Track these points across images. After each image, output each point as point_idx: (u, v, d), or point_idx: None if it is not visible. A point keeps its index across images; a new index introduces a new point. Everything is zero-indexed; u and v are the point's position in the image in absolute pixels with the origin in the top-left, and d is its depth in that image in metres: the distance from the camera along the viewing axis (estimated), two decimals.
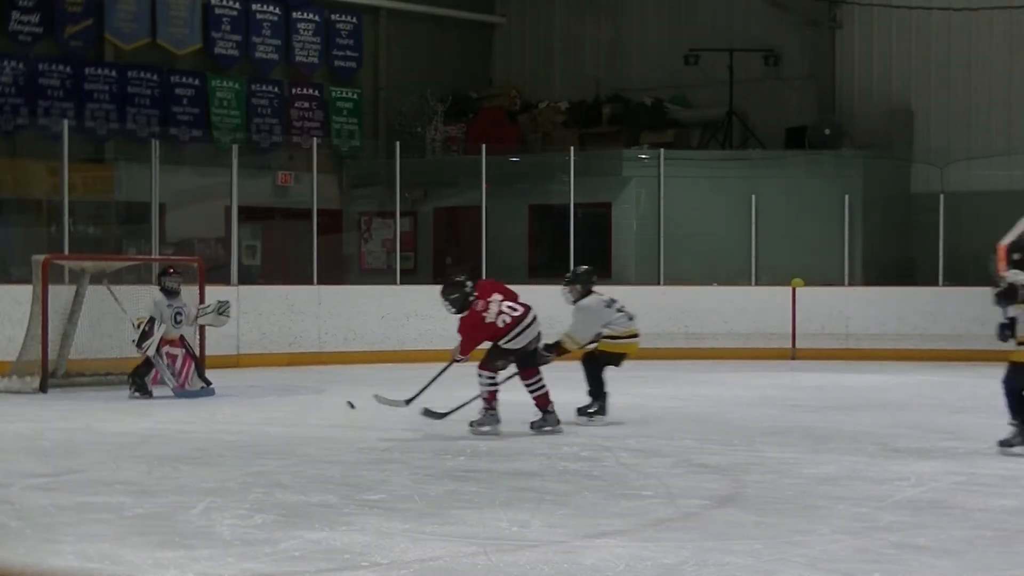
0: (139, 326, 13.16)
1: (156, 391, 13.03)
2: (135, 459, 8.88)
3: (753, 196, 20.20)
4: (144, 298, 13.59)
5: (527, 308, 10.32)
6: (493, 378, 10.17)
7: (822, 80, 22.63)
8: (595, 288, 11.37)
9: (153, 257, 16.78)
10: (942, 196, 19.76)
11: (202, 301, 14.13)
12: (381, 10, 23.97)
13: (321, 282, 17.75)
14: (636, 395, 14.07)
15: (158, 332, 12.94)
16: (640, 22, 24.49)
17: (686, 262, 20.11)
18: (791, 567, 5.72)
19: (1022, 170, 20.35)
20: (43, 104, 19.79)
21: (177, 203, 20.19)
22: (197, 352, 13.97)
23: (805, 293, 19.16)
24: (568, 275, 11.48)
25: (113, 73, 20.64)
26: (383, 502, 7.25)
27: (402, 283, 18.69)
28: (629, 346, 11.36)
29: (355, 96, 23.41)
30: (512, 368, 10.42)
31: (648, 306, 19.33)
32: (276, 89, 22.42)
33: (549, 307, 18.95)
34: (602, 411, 11.10)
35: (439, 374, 10.55)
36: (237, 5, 21.89)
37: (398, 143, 19.48)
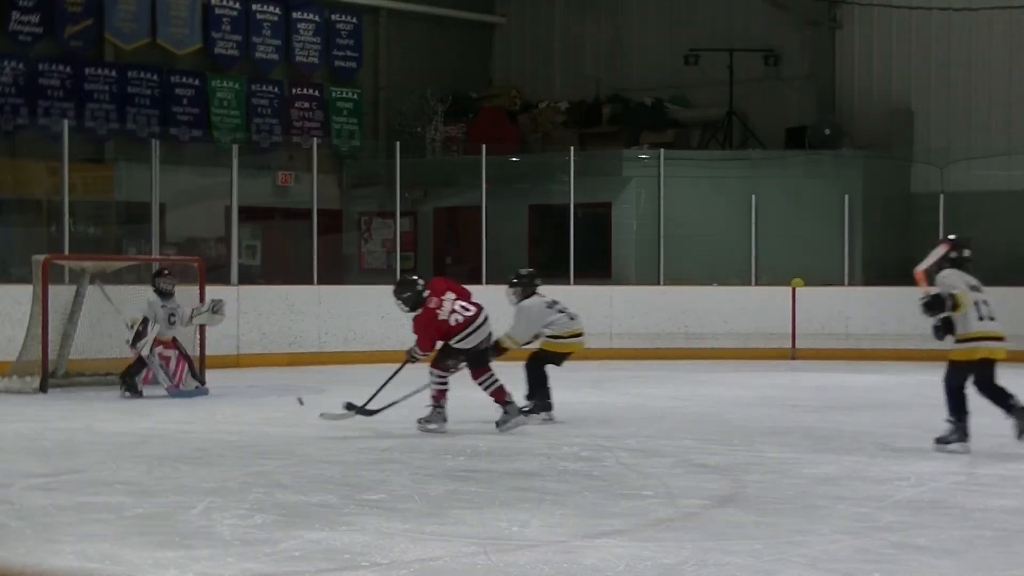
0: (132, 326, 13.18)
1: (148, 391, 13.04)
2: (135, 459, 8.89)
3: (753, 196, 20.21)
4: (138, 298, 13.59)
5: (479, 308, 10.43)
6: (444, 377, 10.33)
7: (822, 80, 22.63)
8: (539, 290, 11.51)
9: (153, 257, 16.78)
10: (942, 196, 19.76)
11: (202, 301, 14.14)
12: (381, 10, 23.97)
13: (321, 282, 17.75)
14: (636, 395, 14.09)
15: (151, 332, 12.96)
16: (640, 22, 24.49)
17: (686, 262, 20.12)
18: (791, 567, 5.72)
19: (1022, 170, 20.36)
20: (43, 104, 19.80)
21: (177, 203, 20.20)
22: (197, 351, 14.05)
23: (805, 293, 19.16)
24: (512, 278, 11.57)
25: (113, 73, 20.65)
26: (383, 502, 7.25)
27: None
28: (573, 345, 11.46)
29: (355, 96, 23.42)
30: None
31: (648, 306, 19.45)
32: (276, 89, 22.43)
33: None
34: (543, 409, 11.21)
35: (391, 376, 10.60)
36: (237, 5, 21.89)
37: (398, 143, 19.49)
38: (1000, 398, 9.35)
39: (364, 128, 23.50)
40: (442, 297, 10.34)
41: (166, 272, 13.48)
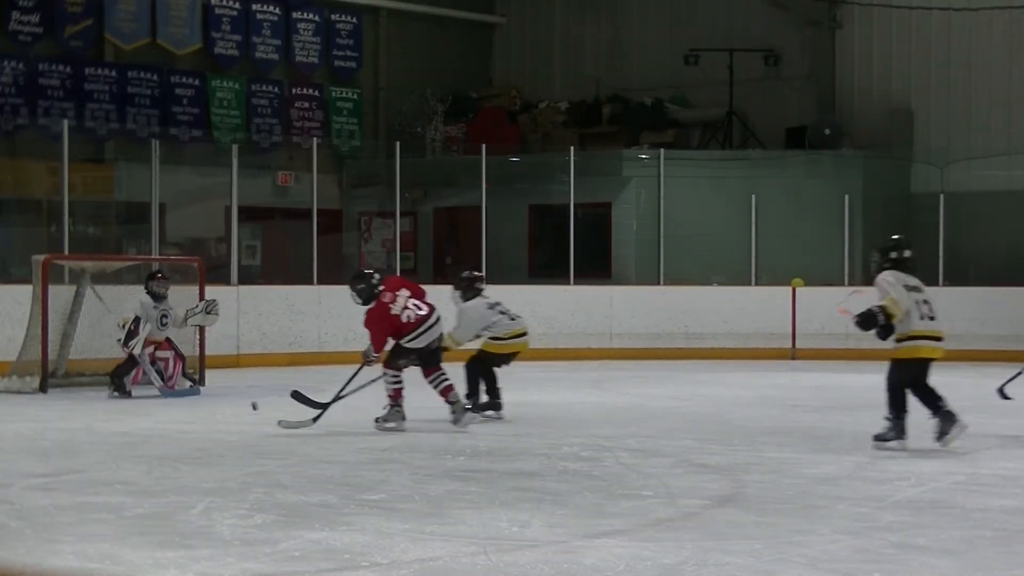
0: (124, 326, 13.20)
1: (139, 391, 13.05)
2: (135, 459, 8.89)
3: (753, 196, 20.21)
4: (131, 300, 13.61)
5: (432, 308, 10.56)
6: (397, 376, 10.43)
7: (822, 80, 22.64)
8: (483, 291, 11.63)
9: (153, 257, 16.78)
10: (942, 196, 19.77)
11: (202, 300, 14.16)
12: (381, 10, 23.98)
13: (321, 282, 17.75)
14: (636, 395, 14.09)
15: (143, 332, 12.99)
16: (640, 22, 24.49)
17: (686, 262, 20.12)
18: (791, 567, 5.72)
19: (1022, 170, 20.36)
20: (43, 104, 19.80)
21: (177, 203, 20.20)
22: (197, 351, 14.11)
23: (805, 293, 19.16)
24: (456, 279, 11.76)
25: (113, 73, 20.65)
26: (383, 502, 7.25)
27: None
28: (516, 346, 11.56)
29: (355, 96, 23.42)
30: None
31: (648, 306, 19.46)
32: (276, 89, 22.43)
33: (549, 307, 19.12)
34: (490, 407, 11.36)
35: (351, 379, 10.63)
36: (237, 5, 21.89)
37: (398, 143, 19.50)
38: (930, 399, 9.45)
39: (364, 128, 23.50)
40: (396, 293, 10.48)
41: (159, 275, 13.52)
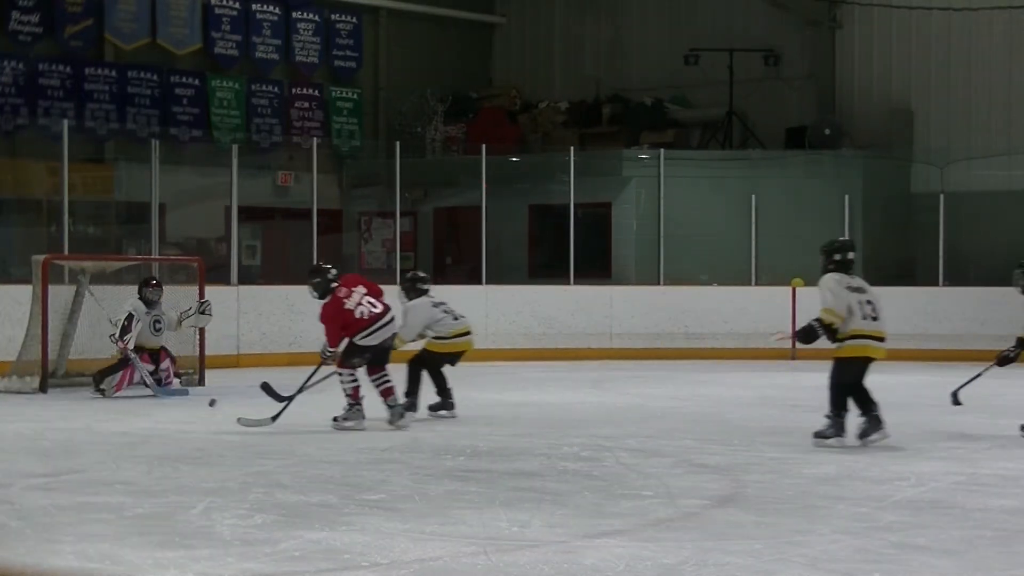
0: (117, 323, 13.23)
1: (133, 391, 13.08)
2: (135, 459, 8.89)
3: (753, 196, 20.21)
4: (128, 302, 13.64)
5: (387, 308, 10.68)
6: (353, 375, 10.52)
7: (822, 80, 22.64)
8: (428, 291, 11.74)
9: (153, 257, 16.79)
10: (942, 196, 19.77)
11: (201, 300, 14.20)
12: (381, 10, 23.97)
13: None
14: (636, 395, 14.09)
15: (135, 329, 13.02)
16: (640, 22, 24.49)
17: (686, 262, 20.12)
18: (791, 567, 5.72)
19: (1022, 170, 20.37)
20: (43, 104, 19.79)
21: (177, 203, 20.20)
22: (197, 352, 14.23)
23: (805, 293, 19.09)
24: (401, 280, 11.96)
25: (113, 73, 20.64)
26: (383, 502, 7.25)
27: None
28: (460, 344, 11.67)
29: (355, 96, 23.42)
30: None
31: (648, 306, 19.46)
32: (276, 89, 22.43)
33: (549, 307, 19.12)
34: (439, 407, 11.49)
35: (309, 377, 10.73)
36: (237, 5, 21.89)
37: (398, 143, 19.50)
38: (864, 400, 9.62)
39: (364, 128, 23.50)
40: (352, 289, 10.62)
41: (154, 282, 13.59)
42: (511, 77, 25.47)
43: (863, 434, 9.52)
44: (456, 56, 25.03)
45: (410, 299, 11.56)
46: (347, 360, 10.54)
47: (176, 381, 13.50)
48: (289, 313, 17.35)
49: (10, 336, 14.37)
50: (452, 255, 22.35)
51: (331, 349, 10.57)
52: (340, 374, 10.57)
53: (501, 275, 19.54)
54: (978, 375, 10.99)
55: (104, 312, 13.80)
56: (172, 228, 20.25)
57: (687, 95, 23.42)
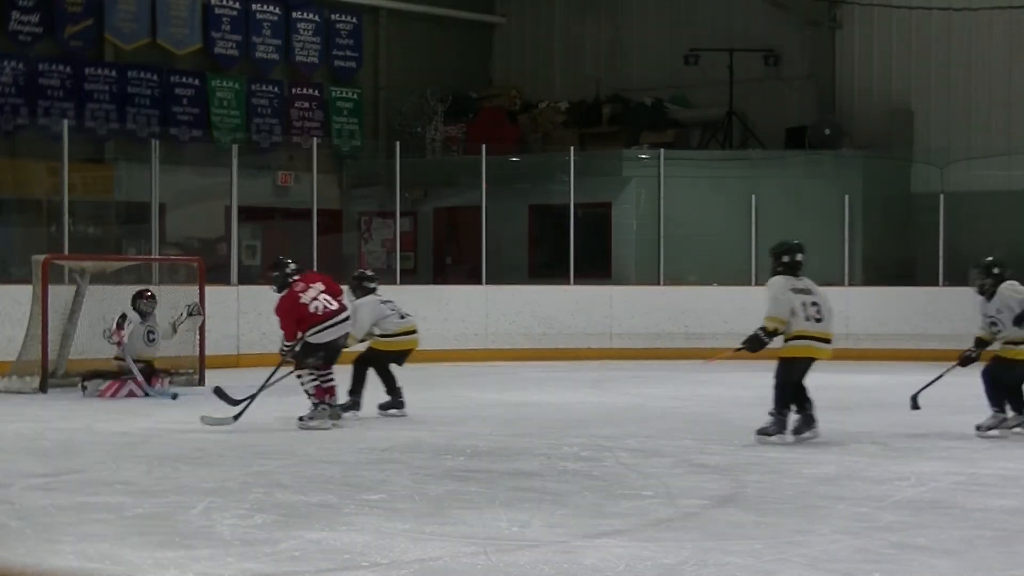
0: (112, 320, 13.30)
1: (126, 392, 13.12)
2: (135, 459, 8.89)
3: (753, 196, 20.20)
4: (123, 298, 13.68)
5: (343, 308, 10.80)
6: (312, 374, 10.56)
7: (822, 80, 22.63)
8: (375, 290, 11.85)
9: (153, 257, 16.79)
10: (942, 196, 19.76)
11: (201, 301, 14.22)
12: (381, 10, 23.97)
13: None
14: (636, 395, 14.09)
15: (127, 329, 13.05)
16: (640, 22, 24.49)
17: (686, 262, 20.11)
18: (791, 567, 5.72)
19: (1022, 170, 20.36)
20: (43, 104, 19.79)
21: (177, 203, 20.19)
22: (197, 351, 14.26)
23: None
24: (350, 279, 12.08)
25: (113, 73, 20.64)
26: (383, 502, 7.25)
27: (402, 283, 18.68)
28: (407, 343, 11.78)
29: (355, 96, 23.42)
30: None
31: (648, 306, 19.45)
32: (276, 89, 22.42)
33: (549, 307, 19.11)
34: (388, 406, 11.57)
35: (269, 377, 10.76)
36: (237, 5, 21.88)
37: (398, 143, 19.50)
38: (801, 399, 9.87)
39: (364, 128, 23.50)
40: (310, 284, 10.73)
41: (148, 294, 13.62)
42: (511, 77, 25.47)
43: (796, 431, 9.79)
44: (456, 56, 25.03)
45: (358, 297, 11.65)
46: (302, 361, 10.62)
47: (171, 388, 13.48)
48: None
49: (10, 336, 14.37)
50: (452, 255, 22.35)
51: (287, 344, 10.67)
52: (299, 376, 10.64)
53: (501, 275, 19.53)
54: (939, 377, 10.96)
55: (103, 312, 13.81)
56: (172, 228, 20.25)
57: (687, 95, 23.42)
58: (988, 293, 10.42)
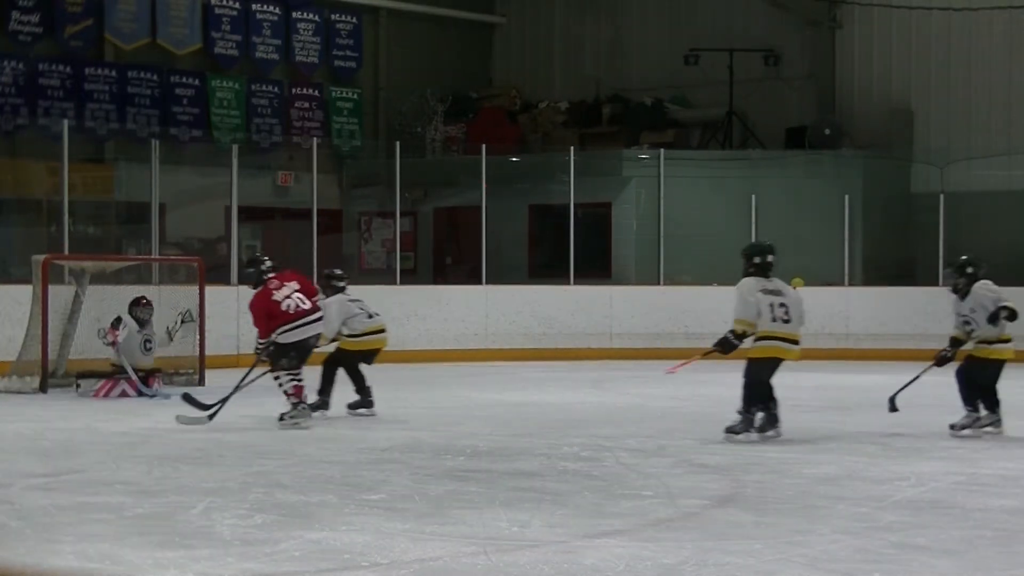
0: (108, 322, 13.33)
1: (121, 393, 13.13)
2: (135, 459, 8.89)
3: (753, 196, 20.20)
4: (121, 299, 13.71)
5: (316, 308, 10.84)
6: (289, 374, 10.58)
7: (822, 80, 22.63)
8: (344, 289, 11.89)
9: (153, 257, 16.79)
10: (942, 196, 19.76)
11: (201, 301, 14.24)
12: (381, 10, 23.97)
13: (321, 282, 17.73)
14: (636, 395, 14.08)
15: (123, 332, 13.05)
16: (640, 22, 24.49)
17: (686, 262, 20.11)
18: (791, 567, 5.72)
19: (1022, 170, 20.36)
20: (43, 104, 19.79)
21: (177, 203, 20.19)
22: (196, 351, 14.28)
23: (805, 293, 19.02)
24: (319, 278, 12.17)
25: (113, 73, 20.64)
26: (383, 502, 7.25)
27: (402, 283, 18.70)
28: (375, 342, 11.82)
29: (355, 96, 23.41)
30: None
31: (648, 306, 19.45)
32: (276, 89, 22.42)
33: (549, 307, 19.10)
34: (362, 406, 11.59)
35: (245, 376, 10.80)
36: (237, 5, 21.88)
37: (398, 143, 19.50)
38: (766, 397, 9.98)
39: (364, 128, 23.50)
40: (284, 283, 10.80)
41: (144, 301, 13.64)
42: (511, 77, 25.47)
43: (760, 429, 9.90)
44: (456, 56, 25.03)
45: (327, 296, 11.68)
46: (276, 363, 10.65)
47: (165, 390, 13.51)
48: None
49: (10, 336, 14.38)
50: (452, 255, 22.34)
51: (261, 342, 10.71)
52: (277, 377, 10.66)
53: (501, 275, 19.53)
54: (915, 378, 10.97)
55: (104, 316, 13.81)
56: (172, 228, 20.25)
57: (687, 95, 23.42)
58: (962, 292, 10.48)
